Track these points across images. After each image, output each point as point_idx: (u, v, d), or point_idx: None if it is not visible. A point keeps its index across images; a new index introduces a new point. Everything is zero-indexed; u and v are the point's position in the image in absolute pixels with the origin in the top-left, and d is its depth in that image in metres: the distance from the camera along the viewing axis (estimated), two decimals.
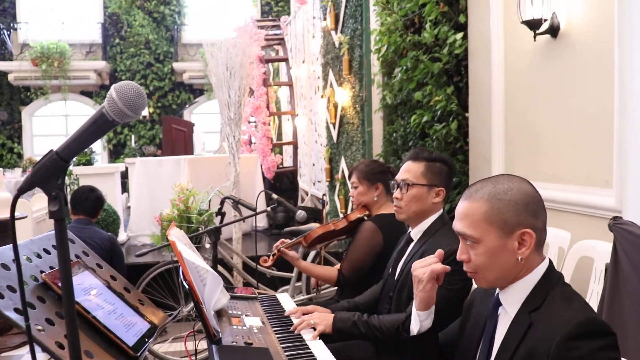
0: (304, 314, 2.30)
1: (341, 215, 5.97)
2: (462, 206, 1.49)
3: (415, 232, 2.36)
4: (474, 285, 1.61)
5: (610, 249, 2.25)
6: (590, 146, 2.88)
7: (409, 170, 2.34)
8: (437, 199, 2.31)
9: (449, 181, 2.38)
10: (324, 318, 2.17)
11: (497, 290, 1.50)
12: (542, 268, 1.43)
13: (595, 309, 2.35)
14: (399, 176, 2.37)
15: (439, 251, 1.73)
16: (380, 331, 2.11)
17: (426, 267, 1.70)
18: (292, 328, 2.14)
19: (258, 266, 3.17)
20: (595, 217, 2.82)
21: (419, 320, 1.78)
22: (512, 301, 1.44)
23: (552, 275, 1.43)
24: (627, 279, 2.15)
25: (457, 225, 1.48)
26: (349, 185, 3.15)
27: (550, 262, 1.47)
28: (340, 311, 2.37)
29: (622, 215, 2.30)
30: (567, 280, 2.84)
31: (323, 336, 2.11)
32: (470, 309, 1.68)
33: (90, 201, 4.01)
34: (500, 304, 1.47)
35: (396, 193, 2.36)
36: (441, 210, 2.36)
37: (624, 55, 2.38)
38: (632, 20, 2.23)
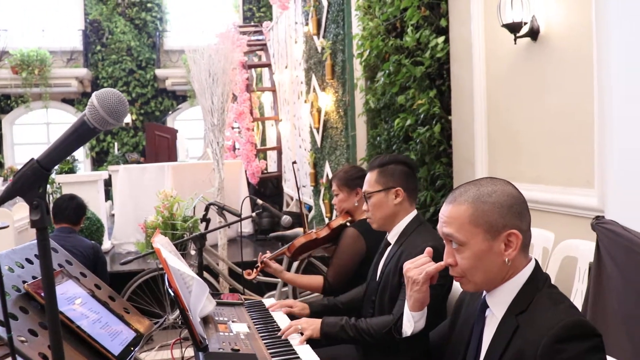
0: (286, 308, 2.44)
1: (327, 220, 5.98)
2: (446, 210, 1.48)
3: (392, 236, 2.38)
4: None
5: (594, 248, 2.27)
6: (571, 147, 2.91)
7: (367, 181, 2.42)
8: (397, 200, 2.33)
9: (408, 178, 2.38)
10: (311, 323, 2.17)
11: (484, 292, 1.50)
12: (528, 270, 1.44)
13: (580, 308, 2.37)
14: (363, 189, 2.45)
15: (428, 249, 1.73)
16: (368, 334, 2.11)
17: (420, 268, 1.70)
18: (279, 333, 2.13)
19: (243, 274, 3.16)
20: (578, 217, 2.85)
21: (413, 322, 1.78)
22: (498, 303, 1.44)
23: (539, 277, 1.44)
24: (610, 278, 2.17)
25: (443, 228, 1.48)
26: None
27: (537, 263, 1.47)
28: (322, 313, 2.43)
29: (604, 214, 2.33)
30: (551, 280, 2.87)
31: (310, 341, 2.11)
32: (459, 310, 1.68)
33: (70, 209, 3.97)
34: (487, 307, 1.47)
35: (364, 206, 2.43)
36: (414, 212, 2.37)
37: (602, 57, 2.41)
38: (609, 23, 2.26)
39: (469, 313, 1.60)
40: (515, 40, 3.13)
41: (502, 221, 1.41)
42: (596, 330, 1.29)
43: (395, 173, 2.35)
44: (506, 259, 1.41)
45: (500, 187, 1.45)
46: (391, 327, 1.92)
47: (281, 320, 2.34)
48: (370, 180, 2.39)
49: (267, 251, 3.14)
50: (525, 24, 3.06)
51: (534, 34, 3.08)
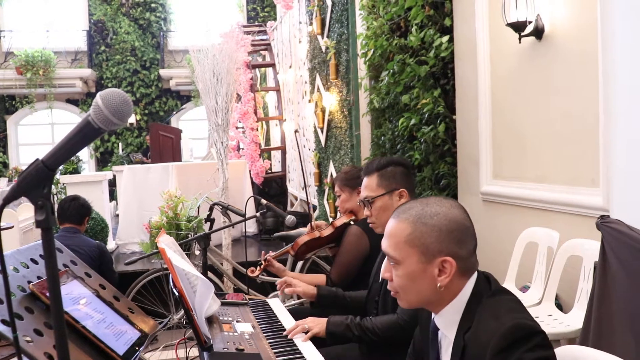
0: (290, 289, 2.52)
1: (331, 220, 5.98)
2: (389, 224, 1.45)
3: None
4: None
5: (599, 248, 2.26)
6: (576, 146, 2.90)
7: (366, 186, 2.39)
8: (402, 200, 2.32)
9: (408, 178, 2.38)
10: (317, 322, 2.18)
11: (433, 315, 1.47)
12: (469, 286, 1.40)
13: (585, 308, 2.37)
14: (361, 195, 2.41)
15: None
16: (373, 333, 2.12)
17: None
18: (285, 333, 2.13)
19: (247, 271, 3.16)
20: (583, 216, 2.84)
21: None
22: (448, 325, 1.41)
23: (482, 290, 1.40)
24: (615, 277, 2.16)
25: (383, 243, 1.45)
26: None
27: (479, 274, 1.43)
28: (325, 294, 2.53)
29: (610, 213, 2.32)
30: (556, 279, 2.87)
31: (315, 340, 2.11)
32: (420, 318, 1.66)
33: (73, 209, 3.99)
34: (438, 329, 1.45)
35: (365, 211, 2.40)
36: None
37: (607, 56, 2.40)
38: (614, 22, 2.25)
39: (423, 327, 1.59)
40: (519, 39, 3.12)
41: (438, 246, 1.37)
42: (535, 327, 1.27)
43: (396, 175, 2.35)
44: (438, 284, 1.37)
45: (446, 210, 1.40)
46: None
47: (286, 319, 2.34)
48: (370, 185, 2.36)
49: (270, 251, 3.14)
50: (530, 23, 3.05)
51: (538, 33, 3.07)
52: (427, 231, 1.38)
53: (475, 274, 1.42)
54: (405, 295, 1.43)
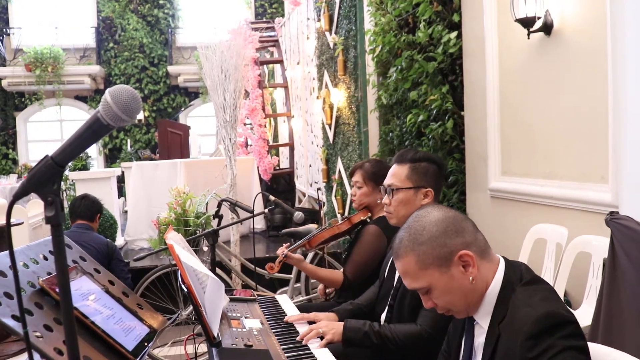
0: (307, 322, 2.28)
1: (339, 216, 5.97)
2: (397, 267, 1.48)
3: None
4: None
5: (608, 244, 2.25)
6: (585, 142, 2.89)
7: (395, 174, 2.30)
8: (425, 200, 2.26)
9: (438, 180, 2.32)
10: (332, 327, 2.10)
11: None
12: (499, 274, 1.43)
13: (594, 304, 2.36)
14: (386, 181, 2.33)
15: None
16: (393, 342, 2.05)
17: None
18: (299, 338, 2.06)
19: (257, 269, 3.15)
20: (592, 212, 2.83)
21: None
22: (482, 315, 1.44)
23: (512, 277, 1.42)
24: (624, 273, 2.15)
25: (405, 283, 1.48)
26: (347, 184, 3.12)
27: (506, 261, 1.46)
28: (349, 318, 2.26)
29: (619, 210, 2.31)
30: (565, 276, 2.86)
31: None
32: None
33: (83, 206, 4.06)
34: (474, 319, 1.47)
35: (385, 198, 2.32)
36: None
37: (617, 51, 2.39)
38: (624, 17, 2.24)
39: (457, 323, 1.61)
40: (528, 35, 3.10)
41: (445, 250, 1.40)
42: (569, 317, 1.28)
43: (428, 172, 2.28)
44: (470, 278, 1.40)
45: (428, 219, 1.44)
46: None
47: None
48: (399, 174, 2.29)
49: (284, 245, 3.10)
50: (539, 18, 3.04)
51: (547, 28, 3.05)
52: (427, 247, 1.40)
53: (503, 261, 1.45)
54: (455, 308, 1.45)
